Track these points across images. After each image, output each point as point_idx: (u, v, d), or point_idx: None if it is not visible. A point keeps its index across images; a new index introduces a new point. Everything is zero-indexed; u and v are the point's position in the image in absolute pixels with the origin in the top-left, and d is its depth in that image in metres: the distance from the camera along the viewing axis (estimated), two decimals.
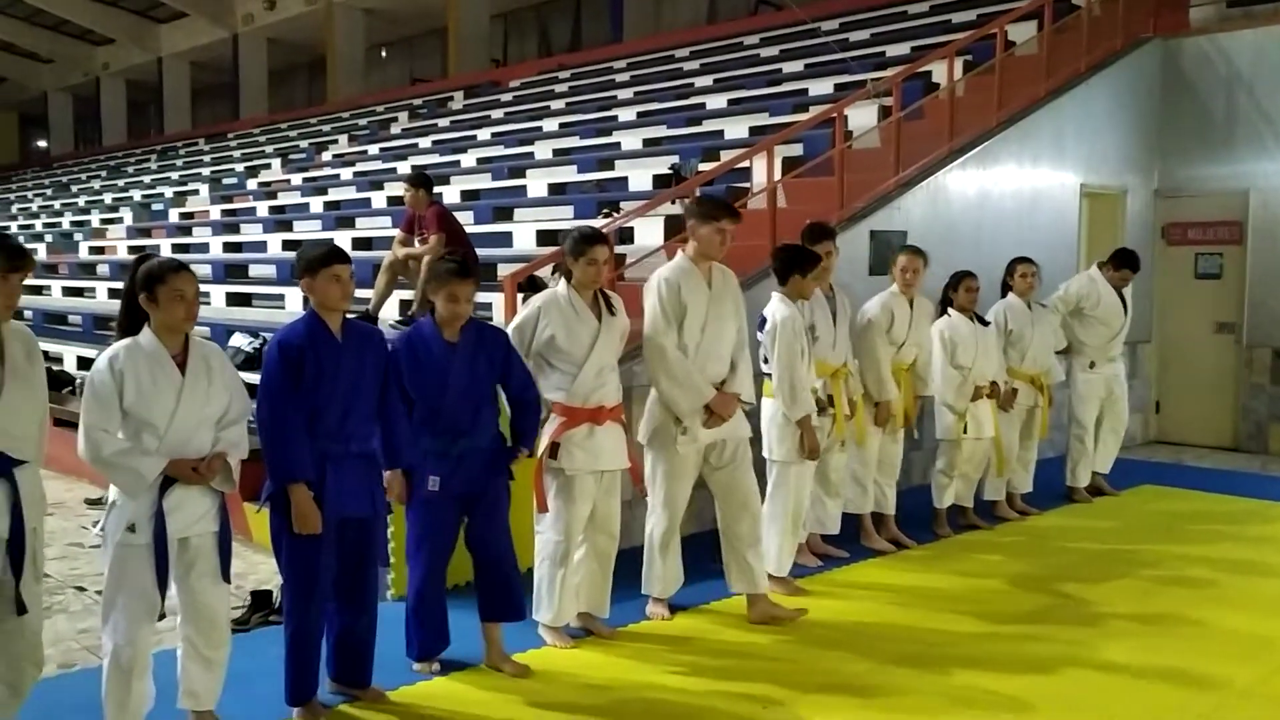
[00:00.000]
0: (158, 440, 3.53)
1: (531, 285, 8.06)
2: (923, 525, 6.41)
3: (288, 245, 12.29)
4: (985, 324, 6.56)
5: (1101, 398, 7.38)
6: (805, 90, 10.87)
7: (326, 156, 17.73)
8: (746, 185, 8.18)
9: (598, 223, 8.23)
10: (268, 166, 18.60)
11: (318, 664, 4.00)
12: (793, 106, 10.25)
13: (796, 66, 12.12)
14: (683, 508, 4.96)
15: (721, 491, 4.97)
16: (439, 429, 4.19)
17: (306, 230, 12.76)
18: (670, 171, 9.29)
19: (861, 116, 8.59)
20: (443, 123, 16.90)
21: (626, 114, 12.81)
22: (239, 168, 19.33)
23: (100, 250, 15.82)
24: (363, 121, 19.60)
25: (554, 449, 4.51)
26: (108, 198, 20.93)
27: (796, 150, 8.56)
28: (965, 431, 6.35)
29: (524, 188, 11.04)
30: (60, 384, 9.42)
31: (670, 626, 4.89)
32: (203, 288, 11.49)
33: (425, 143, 15.62)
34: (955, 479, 6.46)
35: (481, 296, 7.87)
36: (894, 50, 11.04)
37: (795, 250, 5.35)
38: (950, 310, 6.46)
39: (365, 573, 4.05)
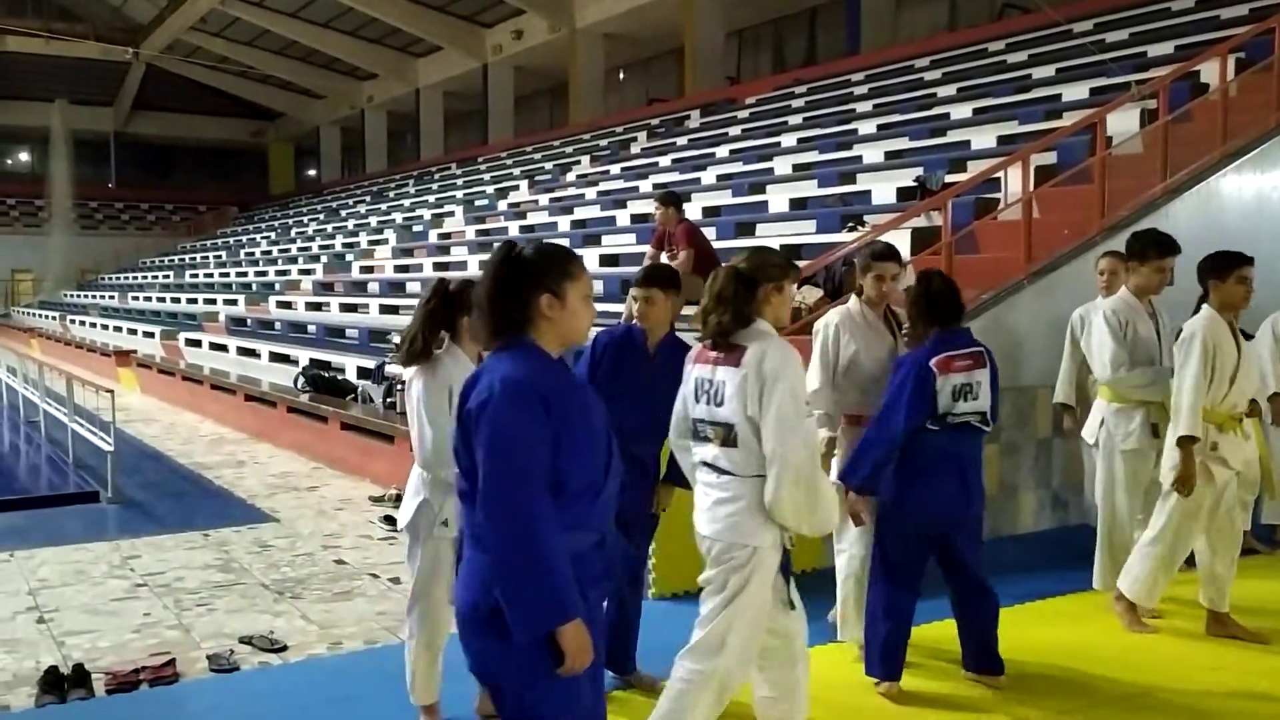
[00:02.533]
0: None
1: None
2: None
3: None
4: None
5: None
6: (1058, 95, 10.50)
7: (570, 177, 18.55)
8: (997, 196, 8.02)
9: (844, 237, 8.30)
10: (516, 188, 19.66)
11: None
12: (1044, 113, 9.94)
13: (1047, 71, 11.72)
14: None
15: None
16: None
17: None
18: (915, 184, 9.22)
19: (1120, 121, 8.25)
20: (681, 141, 17.35)
21: (866, 127, 12.76)
22: (489, 190, 20.53)
23: (370, 269, 17.22)
24: (603, 142, 20.40)
25: None
26: (373, 221, 22.71)
27: (1049, 159, 8.31)
28: None
29: (765, 203, 11.21)
30: (344, 392, 10.37)
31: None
32: None
33: (665, 161, 16.09)
34: None
35: None
36: (1156, 50, 10.49)
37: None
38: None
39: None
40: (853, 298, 4.67)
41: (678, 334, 4.29)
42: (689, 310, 8.29)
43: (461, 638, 2.48)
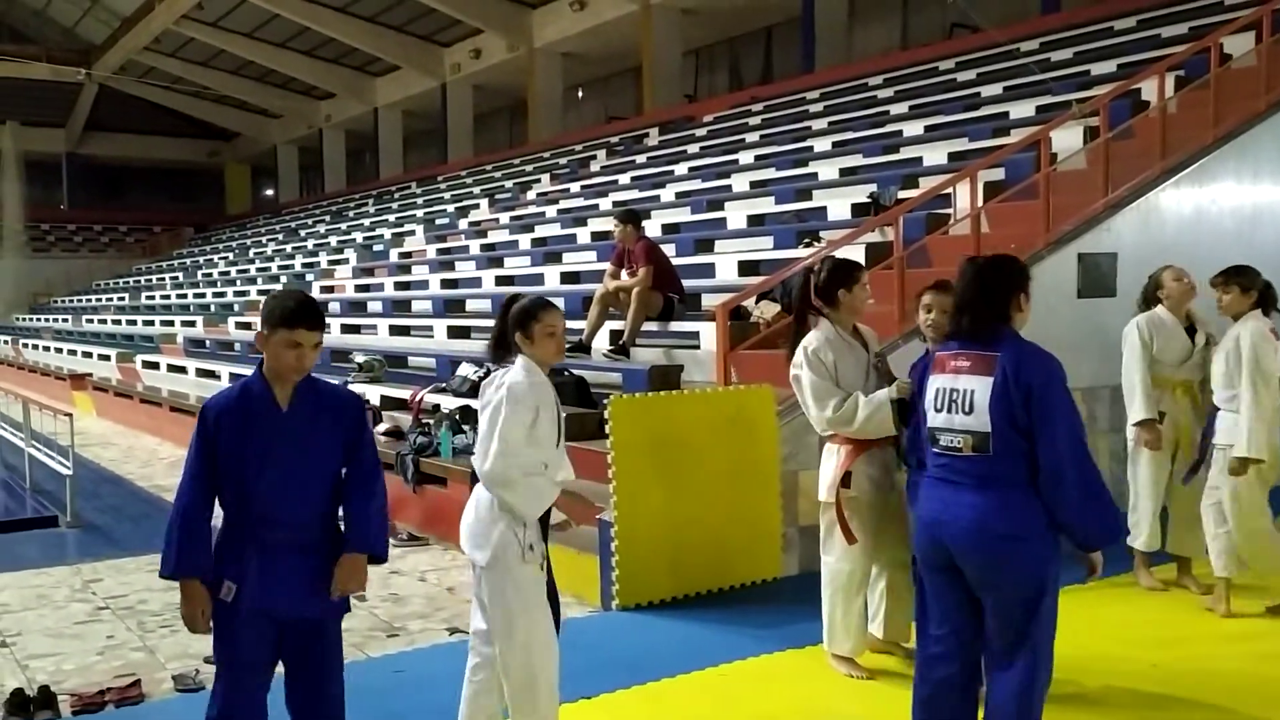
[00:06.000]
0: (544, 467, 3.61)
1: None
2: None
3: (500, 280, 13.06)
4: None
5: None
6: (1006, 113, 10.77)
7: (531, 195, 18.65)
8: (948, 211, 8.22)
9: (800, 252, 8.47)
10: (477, 206, 19.72)
11: None
12: (993, 130, 10.19)
13: (995, 89, 12.00)
14: None
15: None
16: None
17: (517, 266, 13.52)
18: (869, 200, 9.41)
19: (1066, 138, 8.49)
20: (640, 159, 17.51)
21: (822, 144, 12.98)
22: (450, 208, 20.57)
23: (330, 289, 17.18)
24: (563, 160, 20.52)
25: (846, 478, 4.52)
26: (333, 240, 22.64)
27: (998, 175, 8.54)
28: None
29: (723, 220, 11.37)
30: None
31: None
32: (424, 322, 12.60)
33: (624, 179, 16.23)
34: None
35: (689, 326, 8.27)
36: (1099, 69, 10.79)
37: None
38: None
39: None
40: (824, 321, 4.64)
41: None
42: (651, 326, 8.47)
43: None
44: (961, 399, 3.29)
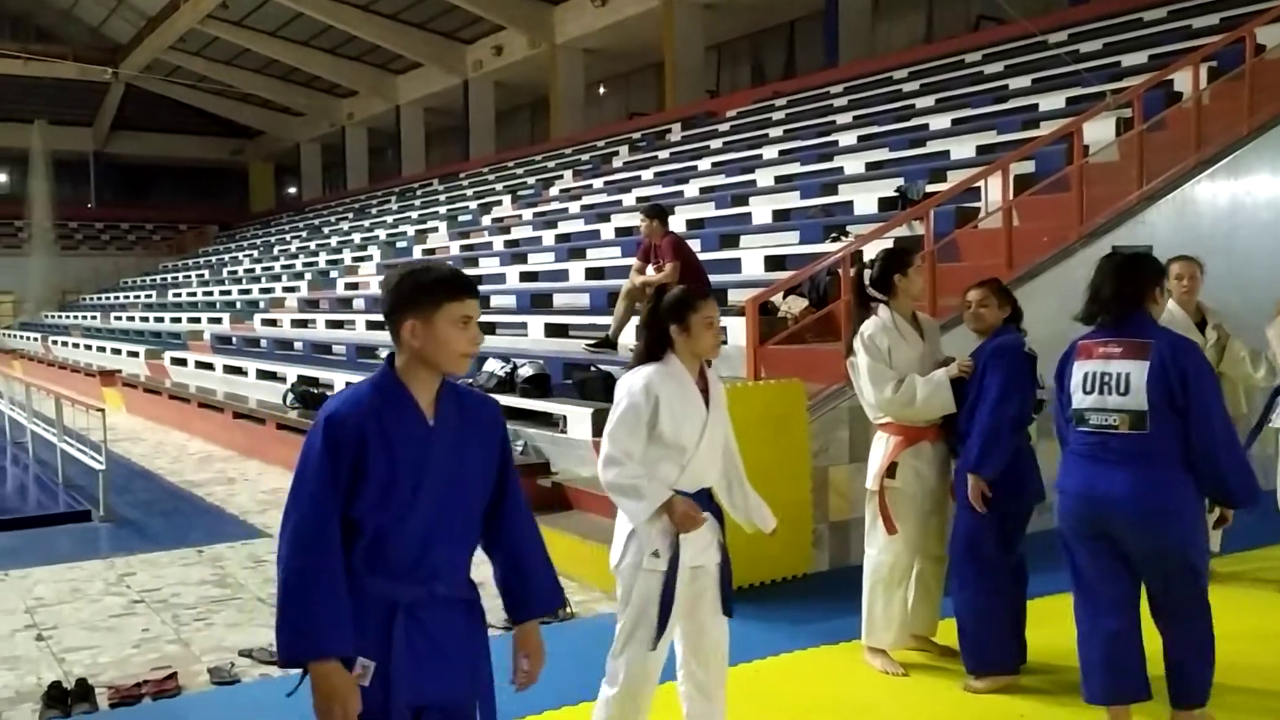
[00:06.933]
0: (679, 469, 3.38)
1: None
2: None
3: (524, 277, 13.08)
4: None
5: None
6: (1035, 105, 10.68)
7: (553, 191, 18.66)
8: (977, 205, 8.16)
9: (829, 247, 8.43)
10: (499, 203, 19.75)
11: None
12: (1021, 123, 10.11)
13: (1024, 81, 11.91)
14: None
15: None
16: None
17: (541, 262, 13.53)
18: (896, 194, 9.36)
19: (1097, 130, 8.41)
20: (662, 154, 17.49)
21: (847, 138, 12.91)
22: (472, 205, 20.61)
23: (355, 286, 17.25)
24: (585, 157, 20.52)
25: (892, 468, 4.53)
26: (356, 237, 22.74)
27: (1028, 168, 8.47)
28: None
29: (748, 215, 11.34)
30: None
31: None
32: None
33: (647, 175, 16.21)
34: None
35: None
36: (1130, 60, 10.69)
37: None
38: None
39: None
40: (883, 307, 4.60)
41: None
42: None
43: None
44: (1115, 381, 3.60)
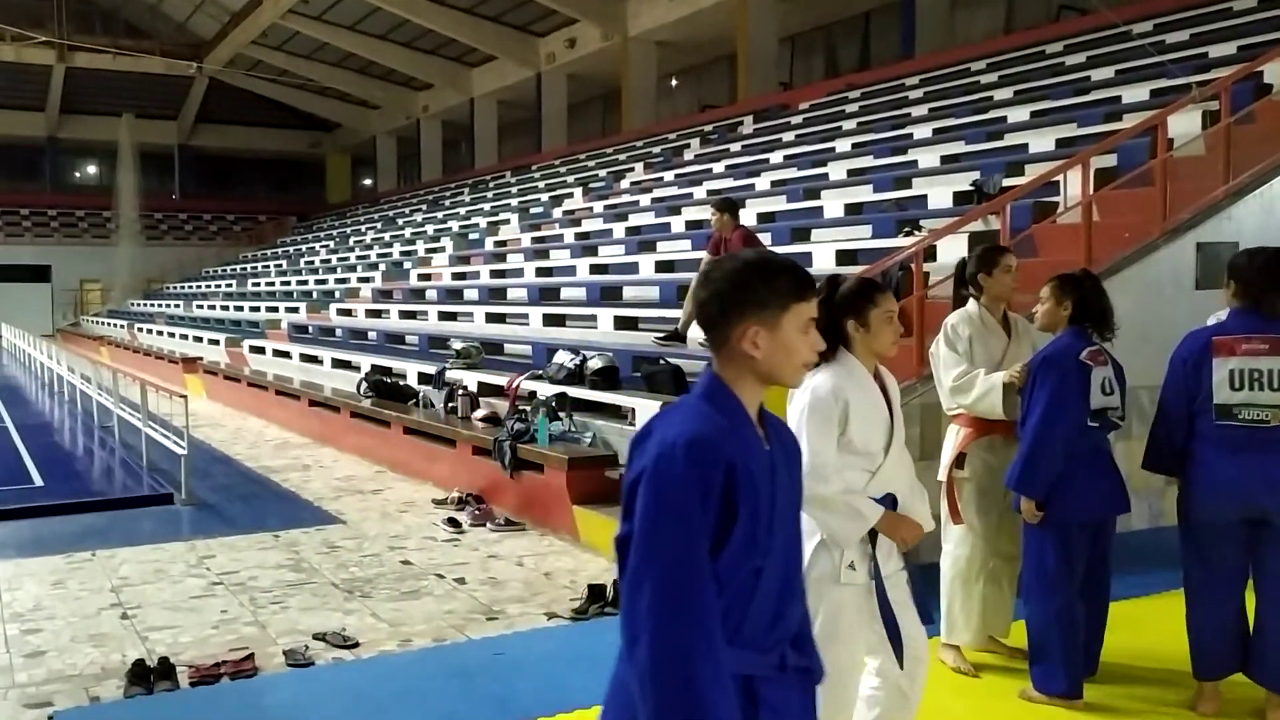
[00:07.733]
0: (869, 475, 3.15)
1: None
2: None
3: (594, 269, 13.14)
4: None
5: None
6: (1118, 97, 10.42)
7: (624, 184, 18.70)
8: (1056, 199, 7.99)
9: (902, 241, 8.33)
10: (570, 195, 19.85)
11: None
12: (1104, 115, 9.86)
13: (1106, 73, 11.62)
14: None
15: None
16: None
17: (611, 255, 13.57)
18: (972, 188, 9.20)
19: (1182, 123, 8.17)
20: (734, 147, 17.42)
21: (922, 131, 12.73)
22: (544, 197, 20.75)
23: (427, 277, 17.50)
24: (656, 149, 20.53)
25: (961, 459, 4.50)
26: (429, 229, 23.05)
27: (1109, 161, 8.26)
28: None
29: (820, 209, 11.25)
30: (405, 397, 10.58)
31: None
32: (520, 310, 12.76)
33: (718, 167, 16.16)
34: None
35: None
36: (1218, 50, 10.37)
37: None
38: None
39: None
40: (971, 301, 4.60)
41: None
42: None
43: None
44: (1266, 377, 3.79)
